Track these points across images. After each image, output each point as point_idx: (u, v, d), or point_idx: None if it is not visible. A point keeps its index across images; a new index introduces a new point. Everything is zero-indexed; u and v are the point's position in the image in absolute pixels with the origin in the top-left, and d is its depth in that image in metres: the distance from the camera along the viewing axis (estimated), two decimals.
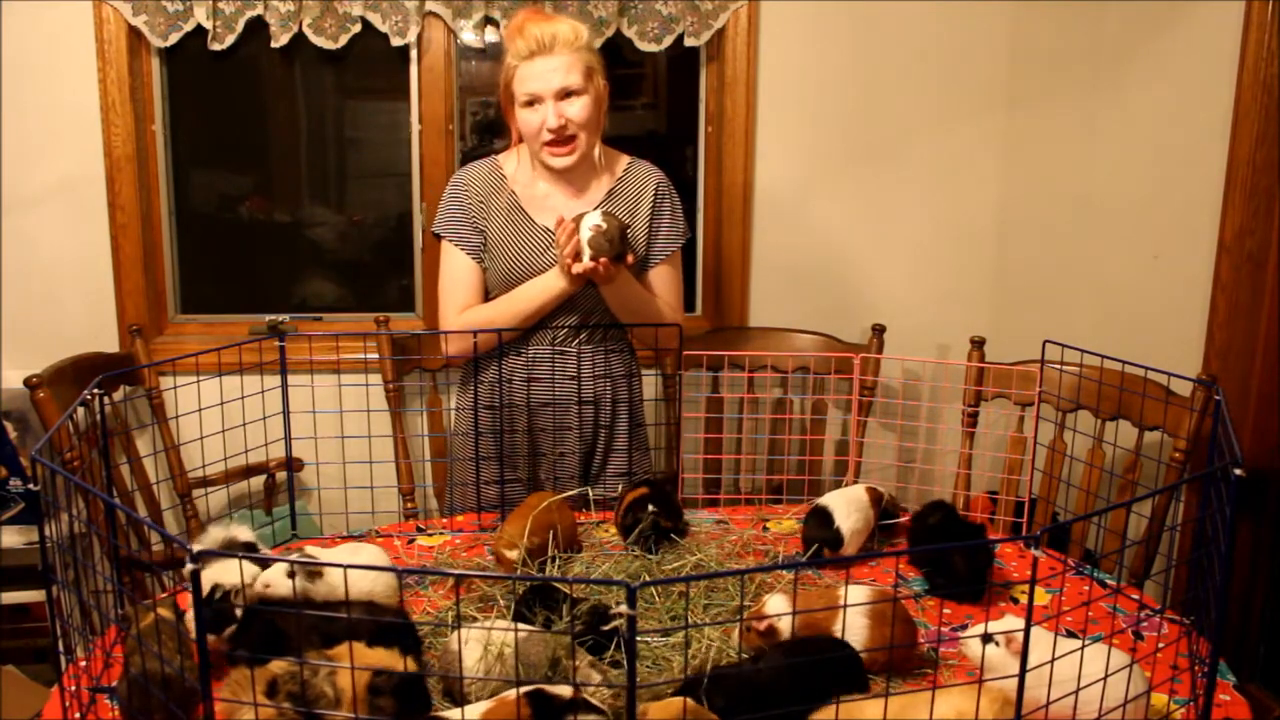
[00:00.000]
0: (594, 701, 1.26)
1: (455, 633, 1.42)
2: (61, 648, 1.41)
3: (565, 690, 1.24)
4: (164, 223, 2.94)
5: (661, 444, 2.59)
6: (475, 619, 1.62)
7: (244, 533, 1.68)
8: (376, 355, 2.48)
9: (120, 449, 2.43)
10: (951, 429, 2.66)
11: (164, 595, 1.72)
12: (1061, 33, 2.85)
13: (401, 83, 2.93)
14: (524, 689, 1.23)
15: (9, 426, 2.72)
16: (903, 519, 2.00)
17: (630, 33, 2.81)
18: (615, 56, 2.87)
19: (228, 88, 2.97)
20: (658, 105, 3.13)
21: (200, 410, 1.86)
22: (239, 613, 1.44)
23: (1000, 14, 2.94)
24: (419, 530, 2.08)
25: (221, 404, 1.90)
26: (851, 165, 3.02)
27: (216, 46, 2.72)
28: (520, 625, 1.46)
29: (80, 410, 1.58)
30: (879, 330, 2.71)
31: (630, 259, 2.10)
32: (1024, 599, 1.76)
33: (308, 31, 2.75)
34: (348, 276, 3.12)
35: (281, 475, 2.65)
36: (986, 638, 1.36)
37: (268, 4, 2.72)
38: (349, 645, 1.30)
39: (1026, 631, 1.15)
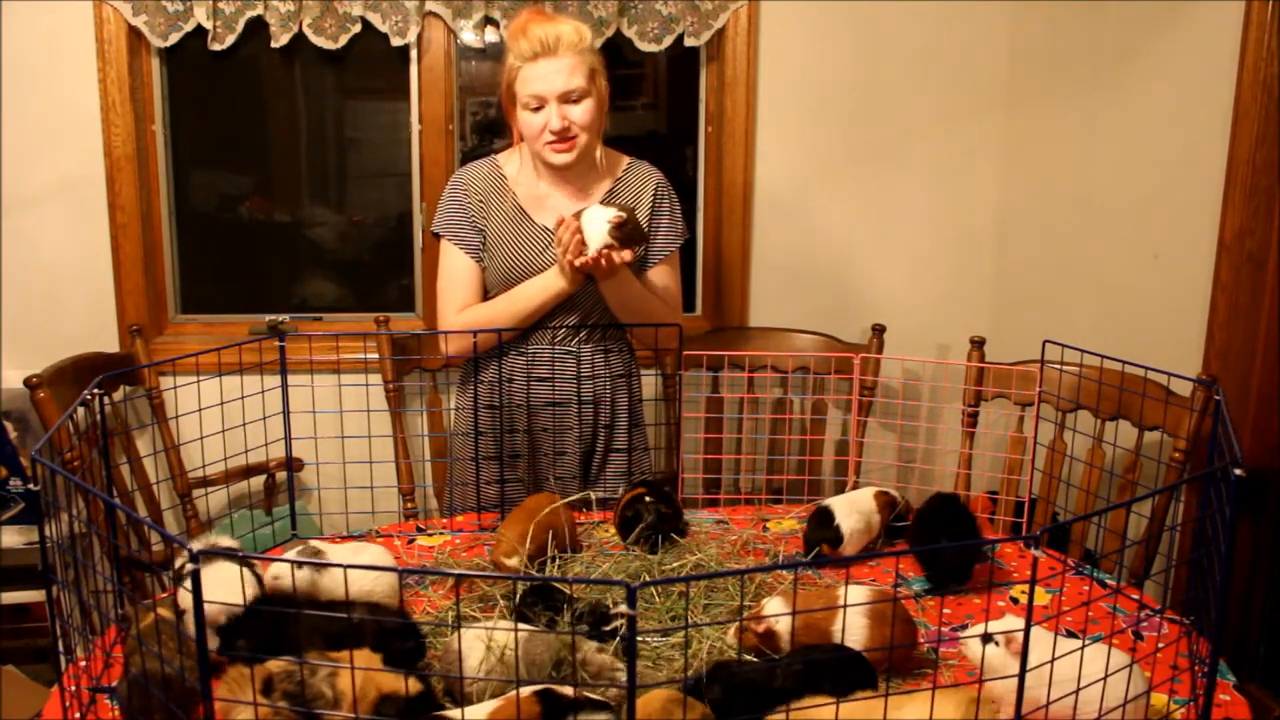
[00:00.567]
0: (600, 698, 1.26)
1: (456, 634, 1.42)
2: (61, 648, 1.41)
3: (571, 690, 1.24)
4: (164, 223, 2.94)
5: (661, 444, 2.60)
6: (476, 619, 1.62)
7: (224, 541, 1.66)
8: (376, 355, 2.48)
9: (120, 449, 2.43)
10: (951, 429, 2.66)
11: (164, 595, 1.72)
12: (1061, 33, 2.85)
13: (401, 83, 2.93)
14: (533, 689, 1.23)
15: (9, 426, 2.72)
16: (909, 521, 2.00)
17: (630, 33, 2.81)
18: (615, 56, 2.87)
19: (228, 88, 2.97)
20: (658, 105, 3.13)
21: (200, 410, 1.86)
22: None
23: (1000, 14, 2.94)
24: (419, 530, 2.08)
25: (221, 404, 1.90)
26: (851, 165, 3.02)
27: (216, 46, 2.72)
28: (522, 625, 1.46)
29: (80, 410, 1.58)
30: (879, 330, 2.72)
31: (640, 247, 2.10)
32: (1024, 599, 1.76)
33: (308, 31, 2.75)
34: (348, 276, 3.12)
35: (281, 475, 2.65)
36: (986, 638, 1.36)
37: (268, 4, 2.72)
38: (350, 648, 1.29)
39: (1026, 631, 1.15)
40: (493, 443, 2.16)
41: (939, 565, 1.79)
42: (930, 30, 2.93)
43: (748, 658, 1.49)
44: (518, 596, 1.60)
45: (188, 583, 1.08)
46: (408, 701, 1.26)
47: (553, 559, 1.83)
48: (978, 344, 2.47)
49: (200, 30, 2.73)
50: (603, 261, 2.02)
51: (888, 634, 1.46)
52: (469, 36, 2.89)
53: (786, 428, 2.73)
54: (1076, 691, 1.25)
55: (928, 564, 1.82)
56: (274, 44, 2.74)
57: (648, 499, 1.91)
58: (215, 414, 1.89)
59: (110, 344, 2.86)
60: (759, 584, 1.75)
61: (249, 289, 3.09)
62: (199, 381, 1.88)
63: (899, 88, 2.97)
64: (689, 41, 2.84)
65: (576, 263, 2.05)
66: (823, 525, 1.86)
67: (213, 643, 1.39)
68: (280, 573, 1.50)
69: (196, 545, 1.09)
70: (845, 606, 1.46)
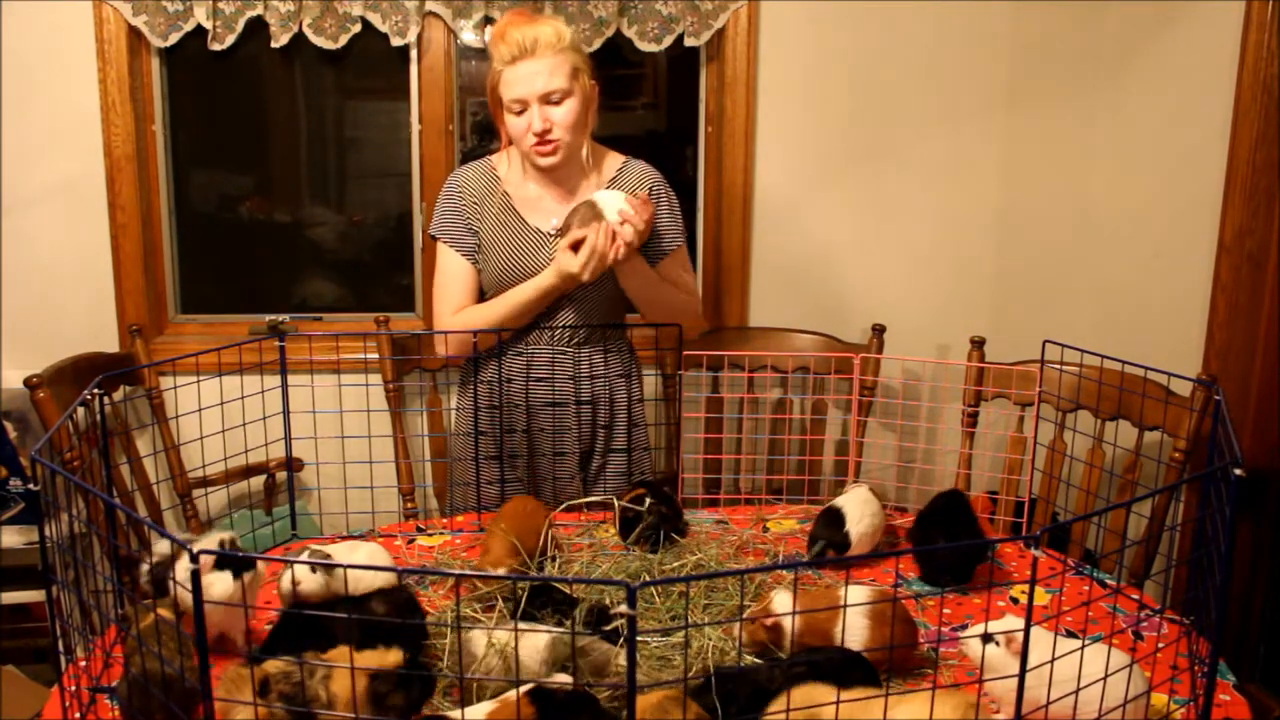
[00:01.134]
0: (595, 695, 1.26)
1: (455, 634, 1.42)
2: (61, 648, 1.41)
3: (566, 683, 1.24)
4: (164, 223, 2.94)
5: (661, 444, 2.59)
6: (476, 619, 1.62)
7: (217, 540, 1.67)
8: (376, 355, 2.48)
9: (120, 449, 2.42)
10: (951, 429, 2.66)
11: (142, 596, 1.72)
12: (1061, 33, 2.85)
13: (401, 83, 2.93)
14: (526, 688, 1.23)
15: (9, 426, 2.72)
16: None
17: (630, 33, 2.80)
18: (615, 56, 2.87)
19: (228, 88, 2.97)
20: (658, 105, 3.13)
21: (200, 410, 1.86)
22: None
23: (1000, 14, 2.94)
24: (419, 530, 2.08)
25: (221, 404, 1.90)
26: (851, 165, 3.02)
27: (216, 46, 2.72)
28: (523, 625, 1.46)
29: (80, 410, 1.58)
30: (879, 330, 2.71)
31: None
32: (1024, 599, 1.76)
33: (308, 31, 2.75)
34: (348, 276, 3.12)
35: (281, 475, 2.65)
36: (986, 638, 1.36)
37: (268, 4, 2.72)
38: (349, 648, 1.30)
39: (1026, 631, 1.16)
40: (493, 443, 2.16)
41: (935, 564, 1.79)
42: (930, 30, 2.93)
43: (749, 658, 1.49)
44: (521, 604, 1.59)
45: (173, 583, 1.08)
46: (399, 678, 1.27)
47: (552, 559, 1.83)
48: (978, 344, 2.47)
49: (200, 30, 2.73)
50: (625, 226, 2.02)
51: (888, 634, 1.46)
52: (469, 36, 2.89)
53: (786, 428, 2.73)
54: (1076, 691, 1.25)
55: (924, 561, 1.83)
56: (274, 44, 2.74)
57: (649, 500, 1.91)
58: (215, 414, 1.89)
59: (110, 344, 2.86)
60: (759, 584, 1.75)
61: (249, 289, 3.09)
62: (199, 381, 1.88)
63: (899, 88, 2.97)
64: (689, 41, 2.84)
65: (622, 255, 2.04)
66: (832, 526, 1.85)
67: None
68: (302, 576, 1.54)
69: (197, 545, 1.08)
70: (845, 607, 1.46)
